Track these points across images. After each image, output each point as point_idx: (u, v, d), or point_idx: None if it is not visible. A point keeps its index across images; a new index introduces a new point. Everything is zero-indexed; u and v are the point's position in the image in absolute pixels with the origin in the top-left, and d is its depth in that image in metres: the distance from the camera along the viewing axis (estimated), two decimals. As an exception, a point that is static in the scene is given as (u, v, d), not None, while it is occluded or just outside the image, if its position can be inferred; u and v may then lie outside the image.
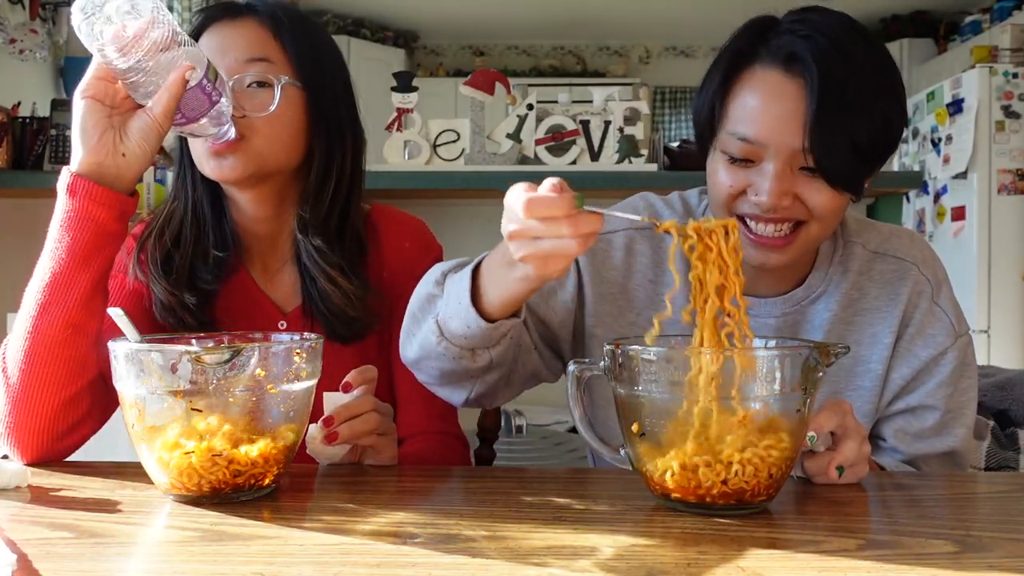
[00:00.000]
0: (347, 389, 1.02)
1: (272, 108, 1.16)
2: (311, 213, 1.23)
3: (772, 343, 0.91)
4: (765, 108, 1.03)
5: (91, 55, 0.98)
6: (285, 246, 1.28)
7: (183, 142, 1.25)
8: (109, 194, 1.01)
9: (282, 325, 1.26)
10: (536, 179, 0.85)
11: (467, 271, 0.97)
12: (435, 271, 1.06)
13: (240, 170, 1.17)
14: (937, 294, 1.17)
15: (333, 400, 1.01)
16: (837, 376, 1.17)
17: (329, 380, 1.01)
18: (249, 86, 1.17)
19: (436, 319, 1.00)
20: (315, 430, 0.99)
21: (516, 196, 0.83)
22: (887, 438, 1.19)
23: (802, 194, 1.05)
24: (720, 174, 1.08)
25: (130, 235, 1.30)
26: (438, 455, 1.21)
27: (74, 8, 0.95)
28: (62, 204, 1.02)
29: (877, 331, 1.16)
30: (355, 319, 1.22)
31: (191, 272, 1.23)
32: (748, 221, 1.07)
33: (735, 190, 1.07)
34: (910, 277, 1.17)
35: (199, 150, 1.18)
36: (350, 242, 1.25)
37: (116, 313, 0.93)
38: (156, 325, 1.22)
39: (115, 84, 1.01)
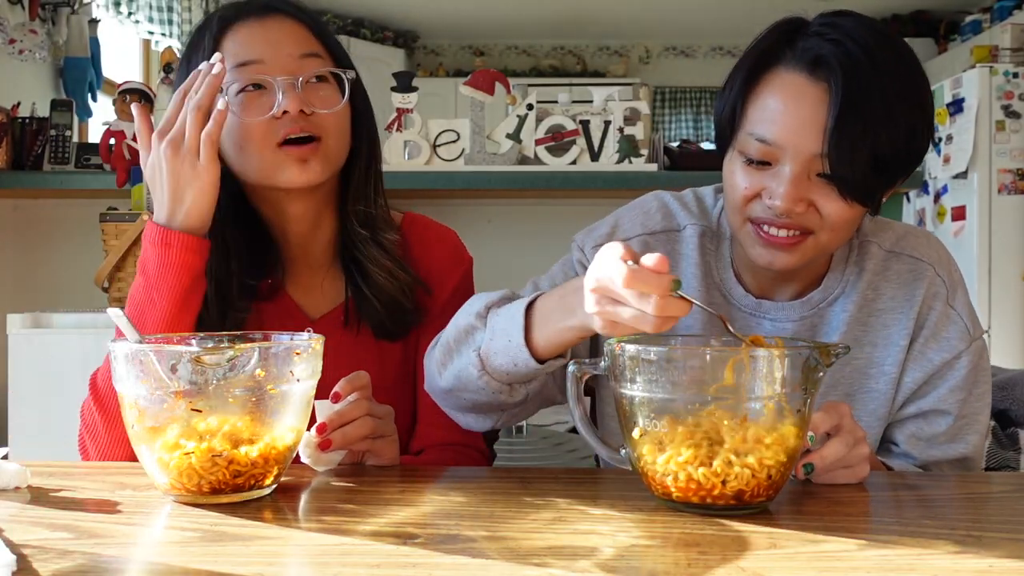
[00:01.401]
0: (336, 399, 1.00)
1: (343, 102, 1.17)
2: (366, 206, 1.23)
3: (772, 343, 0.91)
4: (786, 110, 1.01)
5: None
6: (320, 252, 1.25)
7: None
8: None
9: (308, 331, 1.25)
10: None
11: (519, 309, 0.97)
12: (477, 303, 1.04)
13: (320, 172, 1.15)
14: (952, 297, 1.15)
15: (325, 408, 0.99)
16: (851, 378, 1.15)
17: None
18: (308, 82, 1.15)
19: (478, 353, 0.99)
20: (309, 438, 0.97)
21: (616, 262, 0.80)
22: (899, 443, 1.16)
23: (816, 201, 1.02)
24: (736, 176, 1.06)
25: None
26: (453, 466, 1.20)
27: None
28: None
29: (891, 333, 1.14)
30: (408, 312, 1.22)
31: (224, 306, 1.19)
32: (761, 224, 1.06)
33: (750, 192, 1.05)
34: (925, 278, 1.15)
35: (273, 158, 1.13)
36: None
37: (116, 314, 0.93)
38: None
39: None
